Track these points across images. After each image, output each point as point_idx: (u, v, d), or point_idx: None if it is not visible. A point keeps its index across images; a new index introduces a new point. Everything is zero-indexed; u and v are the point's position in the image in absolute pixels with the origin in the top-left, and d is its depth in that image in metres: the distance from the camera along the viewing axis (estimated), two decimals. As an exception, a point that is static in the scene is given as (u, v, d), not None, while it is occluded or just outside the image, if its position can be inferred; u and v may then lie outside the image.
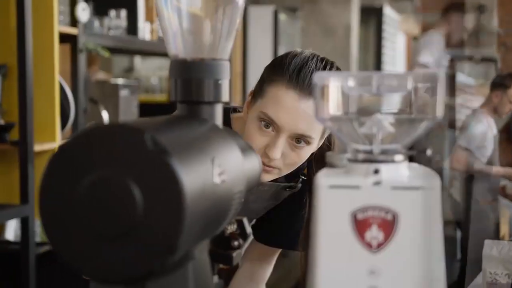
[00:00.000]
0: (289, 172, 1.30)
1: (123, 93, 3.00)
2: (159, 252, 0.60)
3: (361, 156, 0.71)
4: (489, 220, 4.22)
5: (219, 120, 0.83)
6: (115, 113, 2.98)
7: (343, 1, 5.46)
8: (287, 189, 1.42)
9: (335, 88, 0.71)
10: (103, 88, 3.06)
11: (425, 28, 9.91)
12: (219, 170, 0.71)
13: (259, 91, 1.29)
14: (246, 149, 0.87)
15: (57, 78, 2.50)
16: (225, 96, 0.83)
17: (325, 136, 1.33)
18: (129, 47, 3.17)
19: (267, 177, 1.28)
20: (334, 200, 0.69)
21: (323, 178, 0.69)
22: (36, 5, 2.43)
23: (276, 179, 1.33)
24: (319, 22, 5.43)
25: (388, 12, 7.50)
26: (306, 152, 1.27)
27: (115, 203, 0.61)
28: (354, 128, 0.72)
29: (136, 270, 0.61)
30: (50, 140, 2.49)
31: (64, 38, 2.62)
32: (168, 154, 0.61)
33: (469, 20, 9.35)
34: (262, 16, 4.98)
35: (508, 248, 1.84)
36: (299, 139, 1.25)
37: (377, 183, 0.68)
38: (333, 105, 0.72)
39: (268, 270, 1.58)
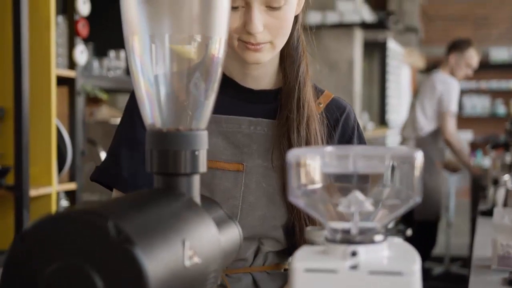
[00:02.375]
0: (284, 42, 1.17)
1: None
2: None
3: (338, 236, 0.68)
4: (440, 184, 4.34)
5: (196, 191, 0.80)
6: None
7: (346, 37, 5.47)
8: None
9: (310, 165, 0.69)
10: (103, 129, 3.05)
11: (430, 61, 9.94)
12: (191, 252, 0.68)
13: None
14: (224, 220, 0.84)
15: (54, 121, 2.48)
16: (203, 167, 0.81)
17: None
18: (129, 88, 3.17)
19: (262, 56, 1.16)
20: (310, 284, 0.66)
21: (299, 262, 0.67)
22: (33, 48, 2.43)
23: None
24: (322, 57, 5.43)
25: (392, 45, 7.51)
26: (288, 12, 1.14)
27: (75, 295, 0.58)
28: (330, 206, 0.70)
29: None
30: (46, 184, 2.47)
31: (62, 80, 2.62)
32: (132, 243, 0.59)
33: None
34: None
35: None
36: (274, 0, 1.11)
37: (354, 267, 0.65)
38: (308, 182, 0.70)
39: None
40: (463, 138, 10.00)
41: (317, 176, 0.70)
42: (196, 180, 0.80)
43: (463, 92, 10.05)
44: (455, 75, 4.36)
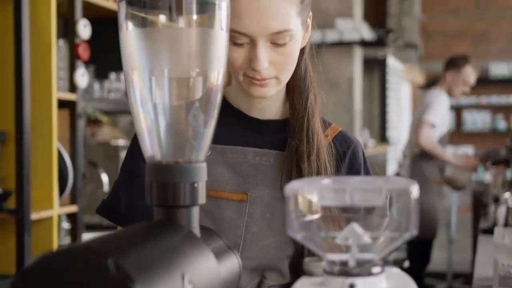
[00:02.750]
0: (289, 77, 1.17)
1: (124, 154, 2.99)
2: None
3: (336, 268, 0.69)
4: (435, 202, 4.31)
5: (195, 223, 0.81)
6: (116, 175, 2.97)
7: (346, 54, 5.50)
8: None
9: (307, 198, 0.70)
10: (105, 150, 3.06)
11: (429, 77, 9.98)
12: (190, 286, 0.69)
13: None
14: (224, 251, 0.85)
15: (55, 144, 2.49)
16: (202, 199, 0.81)
17: (308, 21, 1.20)
18: (129, 109, 3.18)
19: (268, 91, 1.15)
20: (309, 317, 0.67)
21: (297, 294, 0.67)
22: (35, 71, 2.45)
23: None
24: (323, 75, 5.44)
25: (392, 62, 7.54)
26: (293, 47, 1.14)
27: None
28: (328, 238, 0.70)
29: None
30: (47, 207, 2.48)
31: (63, 103, 2.64)
32: (132, 280, 0.59)
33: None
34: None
35: None
36: (278, 37, 1.10)
37: (353, 300, 0.66)
38: (306, 215, 0.71)
39: None
40: (464, 152, 10.01)
41: (314, 209, 0.71)
42: (196, 211, 0.81)
43: (463, 107, 10.08)
44: (452, 93, 4.37)
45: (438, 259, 6.52)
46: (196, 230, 0.81)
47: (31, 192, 2.38)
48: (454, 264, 5.46)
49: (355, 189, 0.69)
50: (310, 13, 1.20)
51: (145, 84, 0.80)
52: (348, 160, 1.26)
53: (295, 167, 1.18)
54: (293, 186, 0.70)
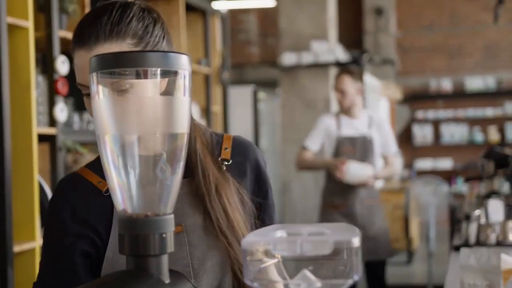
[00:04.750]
0: None
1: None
2: None
3: (290, 312, 0.77)
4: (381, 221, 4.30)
5: (165, 270, 0.89)
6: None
7: (322, 75, 5.62)
8: None
9: (262, 250, 0.78)
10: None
11: (407, 92, 10.15)
12: (159, 332, 0.76)
13: None
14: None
15: (36, 178, 2.56)
16: (170, 247, 0.89)
17: None
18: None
19: None
20: None
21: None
22: (15, 107, 2.51)
23: None
24: (299, 96, 5.56)
25: (369, 80, 7.67)
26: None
27: None
28: (281, 285, 0.79)
29: None
30: (29, 239, 2.54)
31: (43, 137, 2.70)
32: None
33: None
34: (242, 95, 5.11)
35: (487, 256, 1.75)
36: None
37: None
38: (261, 264, 0.79)
39: None
40: (443, 165, 10.19)
41: (268, 258, 0.79)
42: (165, 259, 0.89)
43: (441, 121, 10.26)
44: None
45: (418, 272, 6.63)
46: (166, 277, 0.89)
47: (13, 225, 2.44)
48: (434, 277, 5.55)
49: (305, 241, 0.77)
50: None
51: (115, 146, 0.88)
52: (253, 166, 1.33)
53: (204, 202, 1.24)
54: (249, 240, 0.78)
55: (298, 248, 0.77)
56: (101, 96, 0.88)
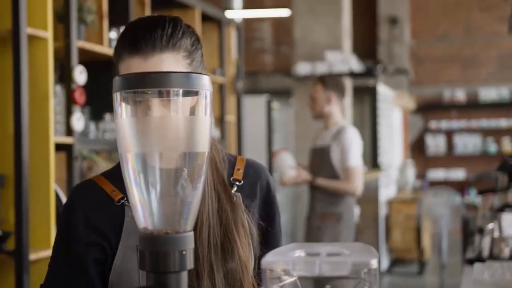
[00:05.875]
0: None
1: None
2: None
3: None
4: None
5: (184, 286, 0.91)
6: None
7: (335, 85, 5.61)
8: None
9: (281, 270, 0.80)
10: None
11: (420, 102, 10.13)
12: None
13: None
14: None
15: (53, 186, 2.59)
16: (190, 264, 0.91)
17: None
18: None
19: None
20: None
21: None
22: (33, 117, 2.55)
23: None
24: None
25: (382, 89, 7.67)
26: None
27: None
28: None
29: None
30: (46, 247, 2.57)
31: (60, 146, 2.73)
32: None
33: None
34: (256, 105, 5.13)
35: (501, 271, 1.75)
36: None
37: None
38: (280, 283, 0.80)
39: None
40: (456, 176, 10.16)
41: (288, 277, 0.80)
42: (184, 276, 0.91)
43: (454, 131, 10.22)
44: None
45: (429, 283, 6.61)
46: (184, 296, 0.90)
47: (29, 233, 2.47)
48: (446, 288, 5.54)
49: (323, 262, 0.79)
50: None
51: (137, 164, 0.90)
52: (264, 189, 1.35)
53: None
54: (268, 259, 0.80)
55: (316, 268, 0.79)
56: (124, 115, 0.90)
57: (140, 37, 1.20)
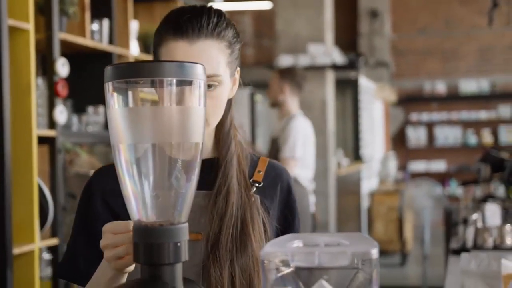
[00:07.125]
0: (218, 120, 1.24)
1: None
2: None
3: (306, 322, 0.78)
4: None
5: (179, 278, 0.89)
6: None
7: (318, 78, 5.62)
8: None
9: (280, 261, 0.79)
10: (83, 181, 3.12)
11: (401, 94, 10.17)
12: None
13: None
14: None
15: (36, 180, 2.56)
16: (184, 256, 0.90)
17: (236, 74, 1.28)
18: (107, 141, 3.25)
19: None
20: None
21: None
22: (15, 110, 2.51)
23: None
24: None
25: (364, 82, 7.69)
26: (221, 93, 1.22)
27: None
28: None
29: None
30: (29, 241, 2.53)
31: (43, 139, 2.70)
32: None
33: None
34: (239, 98, 5.11)
35: (488, 261, 1.76)
36: (208, 81, 1.14)
37: None
38: (279, 273, 0.79)
39: None
40: (437, 168, 10.23)
41: (286, 268, 0.79)
42: (179, 268, 0.90)
43: (435, 123, 10.28)
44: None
45: (411, 274, 6.65)
46: (180, 285, 0.89)
47: (12, 227, 2.44)
48: (428, 279, 5.57)
49: (323, 252, 0.78)
50: (238, 69, 1.29)
51: (131, 155, 0.88)
52: (284, 191, 1.34)
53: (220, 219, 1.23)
54: (267, 250, 0.79)
55: (316, 259, 0.78)
56: (115, 105, 0.88)
57: (186, 21, 1.19)
